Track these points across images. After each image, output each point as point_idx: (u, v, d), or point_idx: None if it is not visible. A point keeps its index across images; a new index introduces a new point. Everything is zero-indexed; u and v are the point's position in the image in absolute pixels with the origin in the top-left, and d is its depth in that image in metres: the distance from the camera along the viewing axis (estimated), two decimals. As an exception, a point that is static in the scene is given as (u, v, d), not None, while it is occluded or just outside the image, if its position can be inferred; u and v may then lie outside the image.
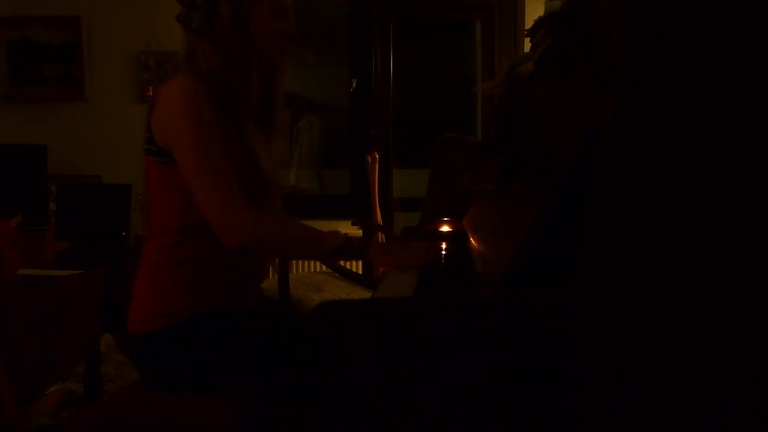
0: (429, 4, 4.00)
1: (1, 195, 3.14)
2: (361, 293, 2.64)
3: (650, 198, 0.71)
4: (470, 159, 2.22)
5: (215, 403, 1.33)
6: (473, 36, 4.06)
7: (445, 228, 1.93)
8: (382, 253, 1.49)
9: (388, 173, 3.90)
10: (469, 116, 4.28)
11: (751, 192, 0.69)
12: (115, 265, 2.39)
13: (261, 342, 1.38)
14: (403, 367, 0.77)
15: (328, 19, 4.05)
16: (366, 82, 3.86)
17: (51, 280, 2.03)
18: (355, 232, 3.10)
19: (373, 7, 3.85)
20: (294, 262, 3.46)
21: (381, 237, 3.24)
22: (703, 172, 0.70)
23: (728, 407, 0.70)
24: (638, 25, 0.71)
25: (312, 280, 2.73)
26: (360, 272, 2.91)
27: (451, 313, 0.77)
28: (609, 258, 0.71)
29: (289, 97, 1.62)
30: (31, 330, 1.79)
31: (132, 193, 3.26)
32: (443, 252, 1.62)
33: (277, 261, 2.43)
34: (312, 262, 3.52)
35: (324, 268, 3.20)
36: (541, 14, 1.44)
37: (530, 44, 1.56)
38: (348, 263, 3.29)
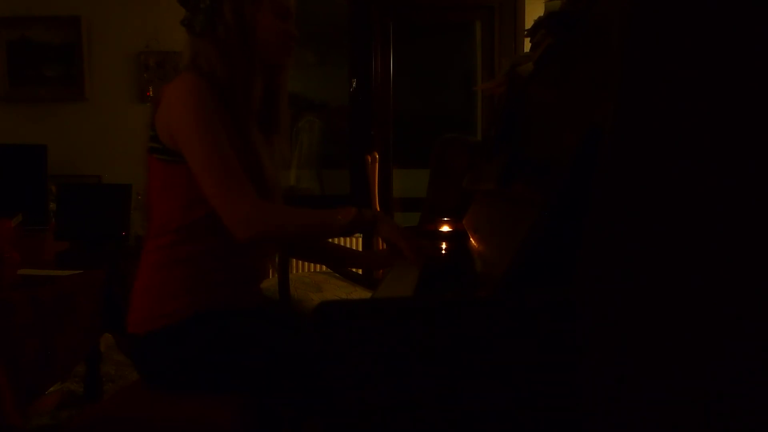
0: (429, 4, 4.01)
1: (1, 195, 3.14)
2: (361, 293, 2.64)
3: (650, 198, 0.71)
4: (470, 159, 2.23)
5: (215, 403, 1.33)
6: (473, 36, 4.06)
7: (445, 228, 1.93)
8: (390, 228, 1.47)
9: (388, 173, 3.90)
10: (469, 116, 4.28)
11: (751, 192, 0.70)
12: (115, 265, 2.40)
13: (261, 342, 1.38)
14: (402, 367, 0.77)
15: (328, 19, 4.06)
16: (366, 82, 3.86)
17: (51, 280, 2.03)
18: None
19: (373, 7, 3.85)
20: (294, 262, 3.46)
21: (380, 243, 3.24)
22: (703, 172, 0.70)
23: (728, 407, 0.70)
24: (638, 25, 0.71)
25: (312, 280, 2.73)
26: (360, 272, 2.91)
27: (451, 313, 0.77)
28: (609, 258, 0.71)
29: (289, 97, 1.62)
30: (31, 330, 1.79)
31: (132, 193, 3.26)
32: (443, 251, 1.62)
33: (277, 261, 2.43)
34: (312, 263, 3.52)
35: (324, 268, 3.20)
36: (541, 14, 1.43)
37: (530, 44, 1.56)
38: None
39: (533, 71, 1.50)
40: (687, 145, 0.70)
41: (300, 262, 3.55)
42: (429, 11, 4.04)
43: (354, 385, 0.78)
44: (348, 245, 3.48)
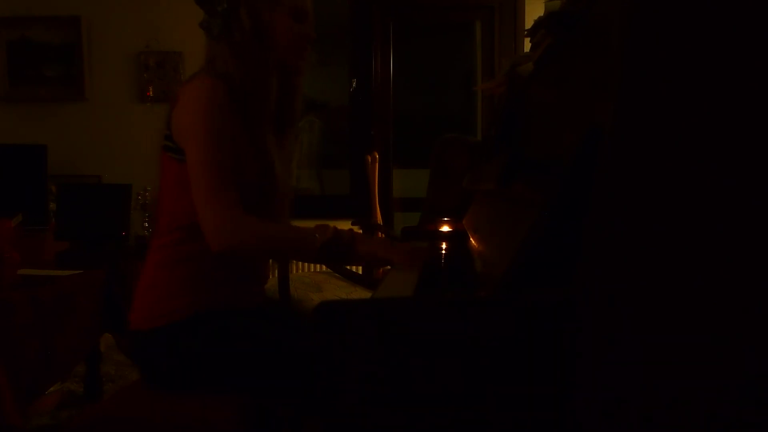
0: (429, 4, 4.00)
1: (1, 195, 3.14)
2: (361, 293, 2.65)
3: (650, 198, 0.71)
4: (470, 159, 2.23)
5: (215, 403, 1.33)
6: (473, 36, 4.06)
7: (445, 228, 1.93)
8: (368, 246, 1.46)
9: (388, 173, 3.90)
10: (469, 116, 4.28)
11: (751, 192, 0.69)
12: (115, 265, 2.40)
13: (261, 342, 1.38)
14: (402, 367, 0.77)
15: (328, 19, 4.05)
16: (366, 82, 3.86)
17: (51, 280, 2.03)
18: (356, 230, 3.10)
19: (373, 7, 3.85)
20: (294, 261, 3.46)
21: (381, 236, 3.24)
22: (703, 172, 0.70)
23: (728, 407, 0.70)
24: (638, 25, 0.71)
25: (312, 280, 2.73)
26: (360, 272, 2.91)
27: (451, 313, 0.77)
28: (609, 258, 0.71)
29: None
30: (31, 330, 1.79)
31: (132, 193, 3.26)
32: (440, 253, 1.61)
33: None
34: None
35: (324, 268, 3.20)
36: (541, 14, 1.44)
37: (530, 44, 1.56)
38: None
39: (533, 71, 1.50)
40: (687, 145, 0.70)
41: (300, 261, 3.55)
42: (429, 11, 4.04)
43: (354, 385, 0.78)
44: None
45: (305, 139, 4.23)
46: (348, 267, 2.88)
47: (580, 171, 0.77)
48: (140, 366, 1.46)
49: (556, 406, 0.75)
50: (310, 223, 1.46)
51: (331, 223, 1.45)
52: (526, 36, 1.59)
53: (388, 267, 1.51)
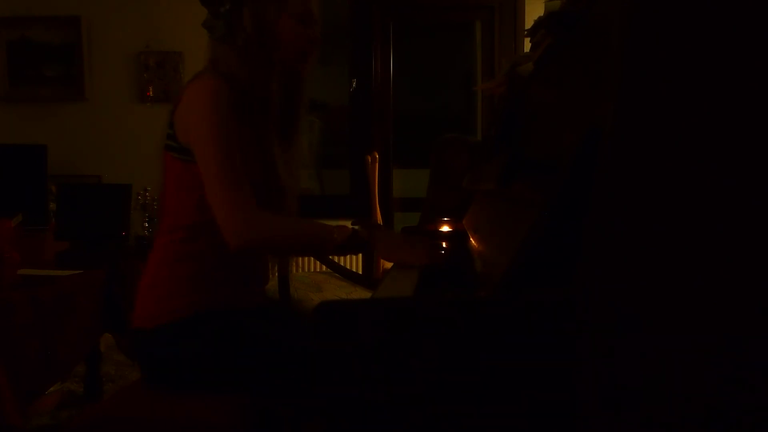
0: (429, 4, 4.01)
1: (1, 195, 3.14)
2: (361, 293, 2.65)
3: (650, 198, 0.71)
4: (470, 159, 2.23)
5: (215, 403, 1.33)
6: (473, 36, 4.06)
7: (445, 228, 1.93)
8: (387, 248, 1.47)
9: (388, 173, 3.90)
10: (469, 116, 4.28)
11: (751, 192, 0.70)
12: (115, 265, 2.39)
13: (261, 341, 1.38)
14: (402, 367, 0.77)
15: (328, 19, 4.05)
16: (366, 82, 3.86)
17: (51, 280, 2.03)
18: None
19: (373, 7, 3.85)
20: (294, 261, 3.46)
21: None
22: (703, 172, 0.70)
23: (728, 407, 0.70)
24: (638, 25, 0.71)
25: (312, 280, 2.73)
26: (360, 272, 2.92)
27: (451, 313, 0.77)
28: (609, 258, 0.71)
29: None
30: (31, 330, 1.79)
31: (132, 193, 3.26)
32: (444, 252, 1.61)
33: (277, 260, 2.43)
34: (312, 262, 3.52)
35: (324, 268, 3.21)
36: (541, 14, 1.44)
37: (530, 44, 1.56)
38: (346, 262, 3.29)
39: (533, 71, 1.50)
40: (687, 145, 0.70)
41: (300, 262, 3.55)
42: (429, 11, 4.04)
43: (354, 385, 0.78)
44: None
45: (305, 139, 4.23)
46: (348, 267, 2.88)
47: (580, 171, 0.77)
48: (141, 364, 1.47)
49: (557, 406, 0.75)
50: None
51: (332, 224, 1.46)
52: (526, 36, 1.59)
53: (390, 266, 1.51)
